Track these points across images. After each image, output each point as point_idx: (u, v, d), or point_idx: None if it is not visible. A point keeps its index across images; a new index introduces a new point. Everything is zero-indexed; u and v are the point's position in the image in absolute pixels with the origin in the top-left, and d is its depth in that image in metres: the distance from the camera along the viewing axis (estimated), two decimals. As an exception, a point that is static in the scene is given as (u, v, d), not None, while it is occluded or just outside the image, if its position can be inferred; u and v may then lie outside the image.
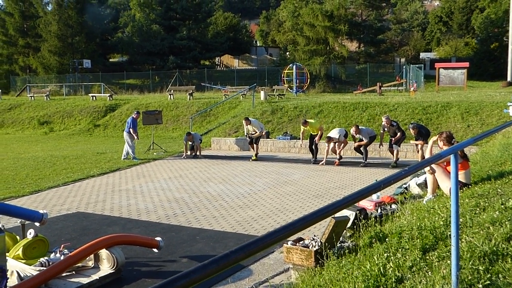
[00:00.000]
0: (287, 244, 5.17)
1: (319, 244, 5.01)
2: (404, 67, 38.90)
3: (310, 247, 5.04)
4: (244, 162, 14.96)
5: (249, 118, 16.03)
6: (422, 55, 52.44)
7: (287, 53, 55.61)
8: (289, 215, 8.26)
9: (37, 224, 5.90)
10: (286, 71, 33.89)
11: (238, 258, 1.56)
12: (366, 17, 53.11)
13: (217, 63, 60.51)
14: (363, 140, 13.90)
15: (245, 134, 16.36)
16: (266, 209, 8.77)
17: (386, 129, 13.66)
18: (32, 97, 34.67)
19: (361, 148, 13.96)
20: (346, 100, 20.45)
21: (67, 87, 42.54)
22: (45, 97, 34.24)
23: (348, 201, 2.24)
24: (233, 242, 6.76)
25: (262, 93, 24.83)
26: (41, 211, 5.74)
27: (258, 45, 68.77)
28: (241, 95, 26.90)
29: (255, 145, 15.71)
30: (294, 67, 31.83)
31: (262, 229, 7.45)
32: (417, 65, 37.48)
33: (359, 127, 13.99)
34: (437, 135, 7.06)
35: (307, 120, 14.84)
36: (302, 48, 46.87)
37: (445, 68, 32.99)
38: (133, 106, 27.69)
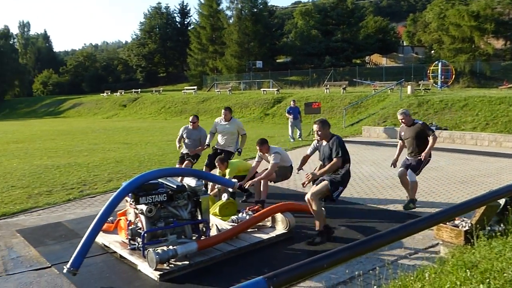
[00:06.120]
0: (438, 222, 4.91)
1: (469, 225, 4.68)
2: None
3: (460, 227, 4.73)
4: (391, 148, 14.37)
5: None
6: None
7: (432, 51, 51.46)
8: (436, 198, 7.78)
9: (230, 189, 6.52)
10: (431, 68, 31.50)
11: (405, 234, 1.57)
12: (515, 15, 46.59)
13: (367, 61, 58.59)
14: None
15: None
16: (414, 191, 8.35)
17: None
18: (219, 92, 37.50)
19: None
20: (492, 95, 18.32)
21: (244, 83, 45.06)
22: (228, 92, 36.77)
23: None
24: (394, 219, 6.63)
25: (409, 87, 23.47)
26: (233, 180, 6.29)
27: (404, 44, 64.79)
28: (389, 89, 25.74)
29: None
30: (440, 64, 29.46)
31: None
32: None
33: None
34: None
35: None
36: (447, 47, 43.02)
37: None
38: (296, 99, 28.26)
